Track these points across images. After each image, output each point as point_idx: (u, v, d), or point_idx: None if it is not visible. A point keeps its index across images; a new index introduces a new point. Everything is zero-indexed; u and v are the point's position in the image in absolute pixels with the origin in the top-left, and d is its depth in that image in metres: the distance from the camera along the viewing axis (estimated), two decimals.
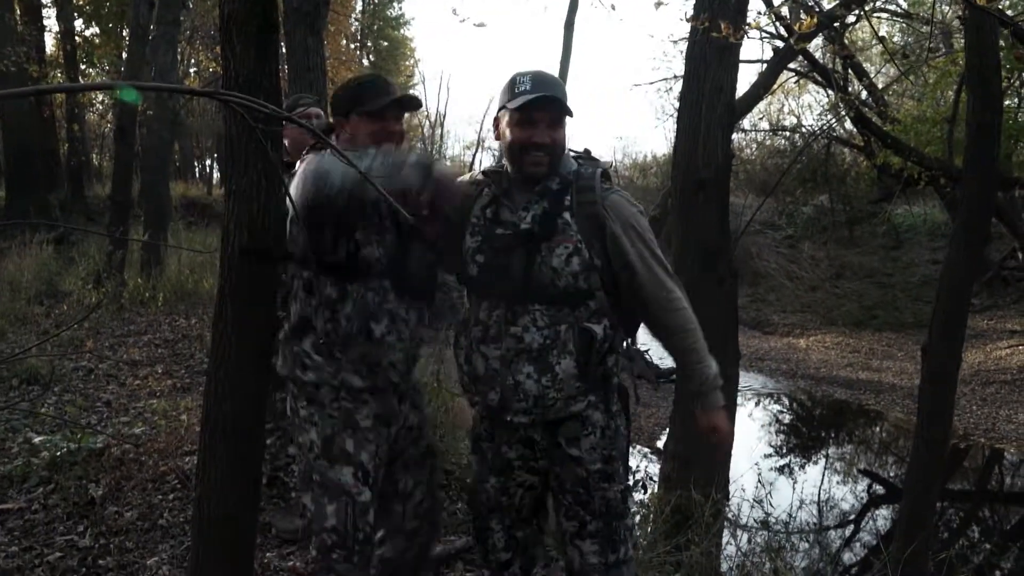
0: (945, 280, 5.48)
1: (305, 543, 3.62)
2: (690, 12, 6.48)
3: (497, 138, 2.62)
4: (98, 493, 4.16)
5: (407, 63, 33.86)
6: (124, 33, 17.59)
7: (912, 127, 13.56)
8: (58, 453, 4.58)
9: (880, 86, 17.22)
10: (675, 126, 6.83)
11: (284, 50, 5.79)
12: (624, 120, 71.99)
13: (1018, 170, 16.76)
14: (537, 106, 2.48)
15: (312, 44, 5.55)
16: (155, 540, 3.78)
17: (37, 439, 4.95)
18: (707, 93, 6.06)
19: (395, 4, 32.57)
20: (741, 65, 7.99)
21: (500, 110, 2.59)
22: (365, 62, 34.03)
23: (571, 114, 2.59)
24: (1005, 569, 6.78)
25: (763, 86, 8.02)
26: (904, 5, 17.45)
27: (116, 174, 11.25)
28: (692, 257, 6.49)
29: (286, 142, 3.78)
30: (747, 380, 12.67)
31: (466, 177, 2.73)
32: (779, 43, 11.23)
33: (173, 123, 13.14)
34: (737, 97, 6.65)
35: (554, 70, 9.12)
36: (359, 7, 31.88)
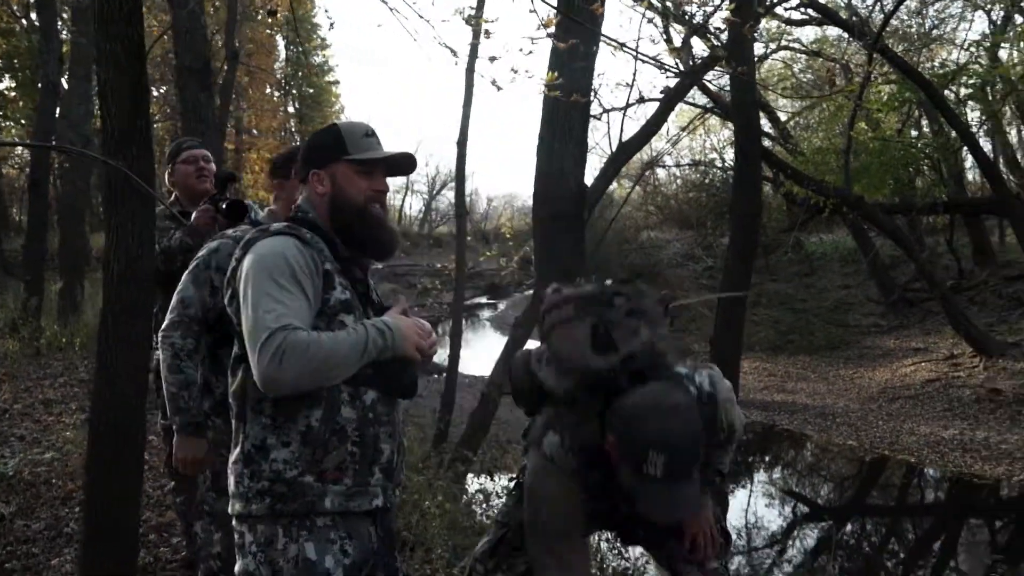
0: (725, 281, 6.31)
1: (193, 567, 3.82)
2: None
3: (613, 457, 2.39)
4: (8, 511, 4.38)
5: (332, 109, 34.11)
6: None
7: (811, 158, 14.25)
8: None
9: (783, 119, 18.02)
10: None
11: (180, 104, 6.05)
12: None
13: (920, 196, 17.66)
14: None
15: (203, 99, 5.81)
16: (60, 545, 4.07)
17: None
18: (560, 132, 6.45)
19: (319, 52, 32.88)
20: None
21: (622, 455, 2.30)
22: (291, 109, 34.21)
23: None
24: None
25: (655, 123, 8.42)
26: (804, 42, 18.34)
27: (30, 225, 11.27)
28: (552, 281, 6.88)
29: (175, 192, 3.91)
30: None
31: None
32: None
33: (90, 175, 13.17)
34: (629, 136, 7.08)
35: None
36: (283, 56, 32.15)
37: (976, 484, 8.95)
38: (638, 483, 2.23)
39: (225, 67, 13.02)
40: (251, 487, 2.00)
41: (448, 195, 40.80)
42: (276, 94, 32.83)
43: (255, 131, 29.58)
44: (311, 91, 33.54)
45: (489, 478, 6.53)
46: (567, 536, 2.51)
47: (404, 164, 2.30)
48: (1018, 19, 16.71)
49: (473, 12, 5.63)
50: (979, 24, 47.80)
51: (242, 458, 2.04)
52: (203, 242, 3.58)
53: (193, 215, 3.59)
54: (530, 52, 4.55)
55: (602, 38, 6.37)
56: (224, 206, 3.38)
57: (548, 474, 2.50)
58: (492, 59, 4.73)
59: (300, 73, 32.20)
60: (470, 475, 6.93)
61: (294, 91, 33.77)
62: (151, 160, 3.02)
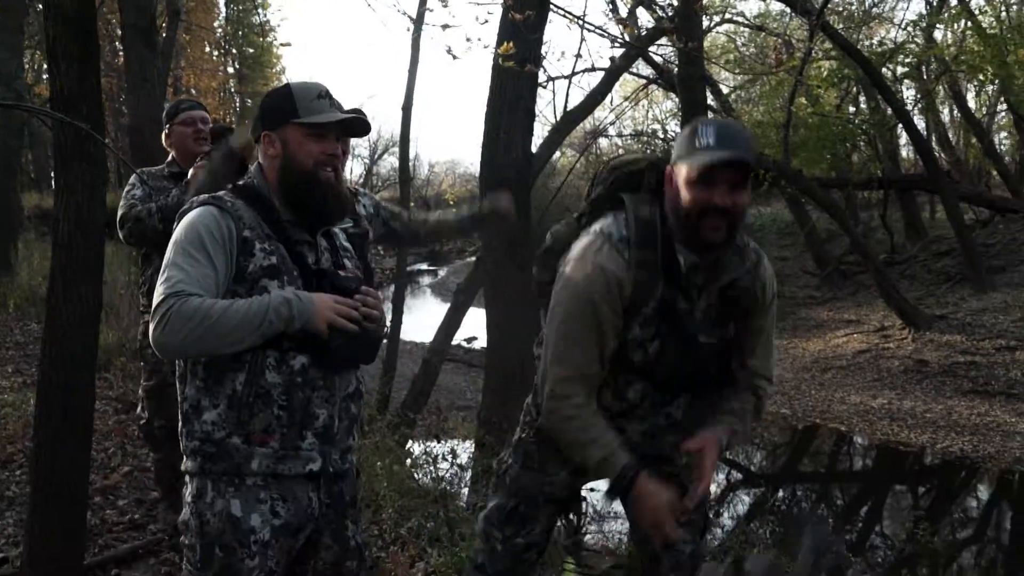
0: None
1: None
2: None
3: (670, 194, 2.31)
4: None
5: (274, 70, 33.44)
6: None
7: (752, 131, 14.46)
8: None
9: (725, 92, 18.21)
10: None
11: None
12: None
13: (856, 171, 18.06)
14: (719, 166, 2.19)
15: (148, 57, 5.71)
16: (1, 509, 4.07)
17: None
18: (508, 100, 6.49)
19: (259, 11, 32.12)
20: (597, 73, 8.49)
21: (675, 162, 2.28)
22: (231, 69, 33.45)
23: (757, 177, 2.55)
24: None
25: (600, 92, 8.48)
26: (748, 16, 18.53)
27: None
28: (497, 245, 6.96)
29: (172, 152, 3.84)
30: None
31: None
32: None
33: (22, 133, 12.75)
34: (573, 105, 7.13)
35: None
36: (223, 14, 31.36)
37: (902, 451, 9.31)
38: (693, 153, 2.20)
39: (165, 24, 12.71)
40: (187, 446, 2.07)
41: (390, 160, 40.38)
42: (216, 53, 32.05)
43: (194, 91, 28.85)
44: (251, 51, 32.77)
45: (436, 441, 6.61)
46: (608, 311, 2.30)
47: (357, 126, 2.29)
48: (953, 1, 17.11)
49: None
50: (917, 4, 48.85)
51: (181, 418, 2.10)
52: None
53: (190, 172, 3.54)
54: (485, 22, 4.55)
55: (552, 8, 6.41)
56: None
57: (604, 250, 2.32)
58: (445, 27, 4.74)
59: (240, 32, 31.46)
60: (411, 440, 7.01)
61: (234, 51, 32.98)
62: (102, 118, 2.99)
